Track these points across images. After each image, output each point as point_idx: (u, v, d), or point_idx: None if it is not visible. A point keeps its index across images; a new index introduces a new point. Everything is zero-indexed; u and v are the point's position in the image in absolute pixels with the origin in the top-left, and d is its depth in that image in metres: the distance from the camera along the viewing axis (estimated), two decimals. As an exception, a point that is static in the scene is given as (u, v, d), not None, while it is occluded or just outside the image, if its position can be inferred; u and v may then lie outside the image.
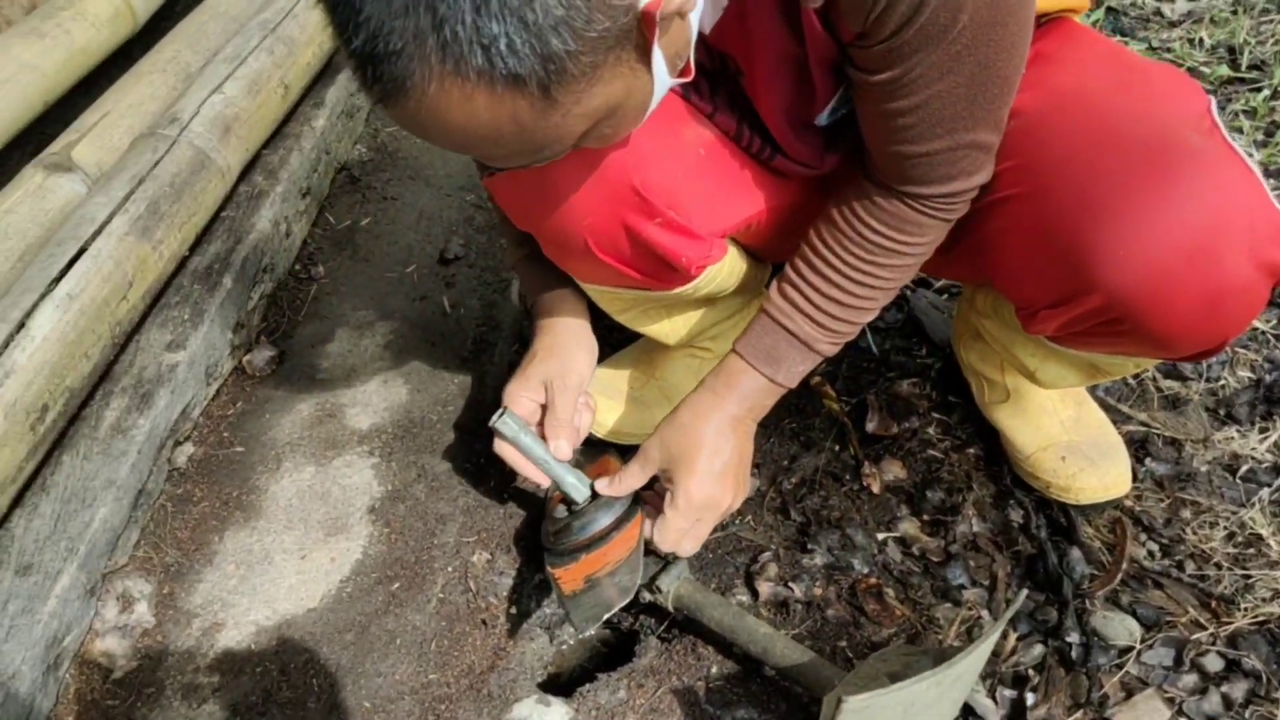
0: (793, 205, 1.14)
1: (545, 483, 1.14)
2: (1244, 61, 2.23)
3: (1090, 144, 0.94)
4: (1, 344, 1.20)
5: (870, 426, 1.42)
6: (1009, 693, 1.13)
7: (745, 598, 1.24)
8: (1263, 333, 1.57)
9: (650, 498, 1.15)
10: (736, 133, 1.05)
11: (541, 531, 1.18)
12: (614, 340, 1.47)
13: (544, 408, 1.17)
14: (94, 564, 1.18)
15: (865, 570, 1.26)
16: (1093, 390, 1.42)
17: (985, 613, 1.21)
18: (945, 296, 1.66)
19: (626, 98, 0.73)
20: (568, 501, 1.14)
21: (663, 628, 1.21)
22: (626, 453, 1.18)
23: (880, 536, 1.30)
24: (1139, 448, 1.39)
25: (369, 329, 1.60)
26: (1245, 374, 1.51)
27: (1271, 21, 2.38)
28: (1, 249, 1.41)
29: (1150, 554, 1.27)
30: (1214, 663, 1.15)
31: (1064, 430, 1.31)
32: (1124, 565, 1.24)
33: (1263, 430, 1.42)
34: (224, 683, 1.13)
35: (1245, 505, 1.31)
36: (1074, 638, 1.17)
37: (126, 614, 1.19)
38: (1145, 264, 0.91)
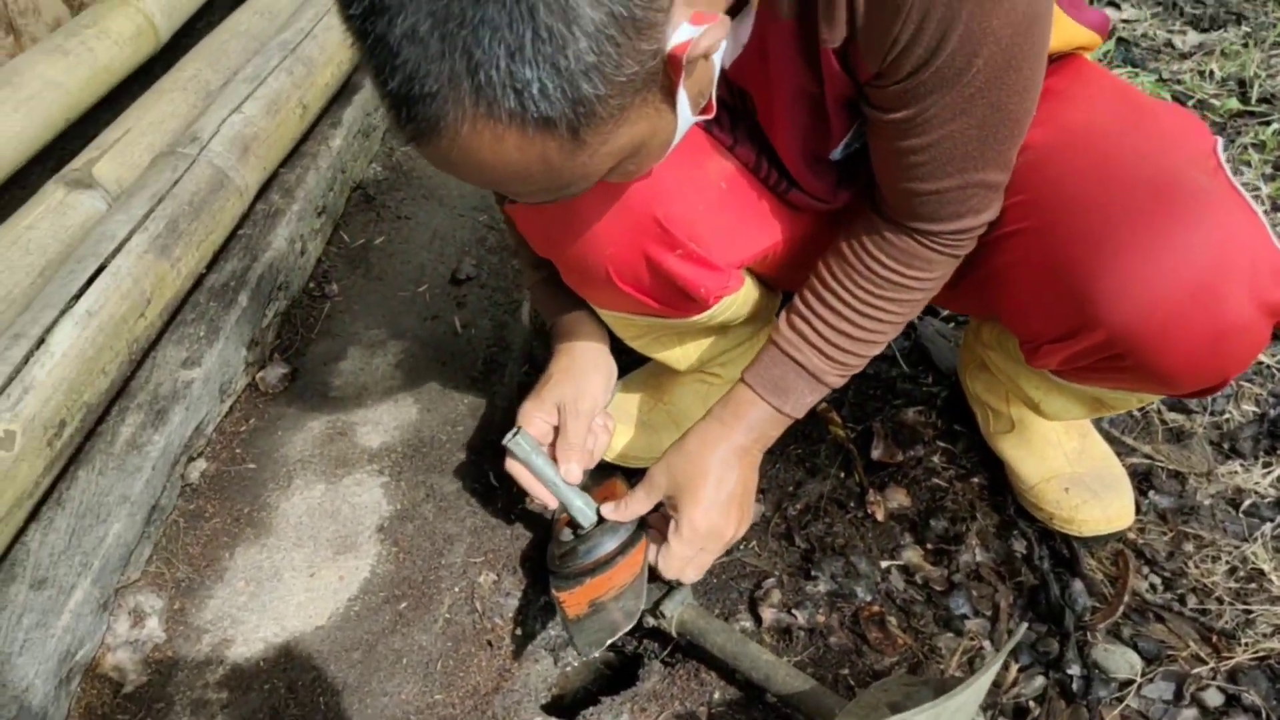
0: (805, 237, 1.15)
1: (554, 504, 1.15)
2: (1254, 95, 2.24)
3: (1097, 181, 0.96)
4: (22, 360, 1.22)
5: (875, 454, 1.43)
6: (1010, 724, 1.14)
7: (749, 623, 1.25)
8: (1268, 367, 1.58)
9: (656, 521, 1.16)
10: (755, 165, 1.07)
11: (547, 554, 1.19)
12: (624, 362, 1.47)
13: (557, 430, 1.18)
14: (107, 579, 1.19)
15: (868, 598, 1.27)
16: (1097, 422, 1.43)
17: (987, 643, 1.22)
18: (952, 325, 1.67)
19: (651, 136, 0.75)
20: (574, 525, 1.15)
21: (666, 652, 1.22)
22: (633, 475, 1.20)
23: (884, 564, 1.31)
24: (1143, 480, 1.40)
25: (381, 348, 1.62)
26: (1250, 408, 1.51)
27: (1281, 54, 2.40)
28: (22, 264, 1.43)
29: (1152, 587, 1.28)
30: (1214, 697, 1.15)
31: (1068, 462, 1.32)
32: (1126, 598, 1.25)
33: (1266, 465, 1.42)
34: (232, 699, 1.14)
35: (1247, 540, 1.32)
36: (1075, 670, 1.18)
37: (138, 629, 1.20)
38: (1148, 302, 0.92)
